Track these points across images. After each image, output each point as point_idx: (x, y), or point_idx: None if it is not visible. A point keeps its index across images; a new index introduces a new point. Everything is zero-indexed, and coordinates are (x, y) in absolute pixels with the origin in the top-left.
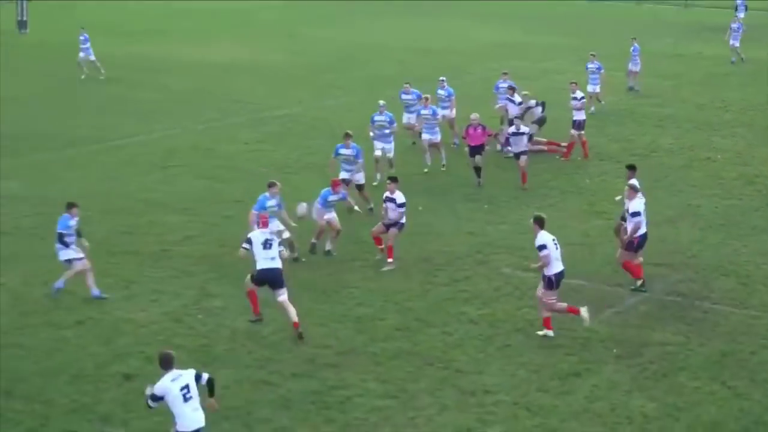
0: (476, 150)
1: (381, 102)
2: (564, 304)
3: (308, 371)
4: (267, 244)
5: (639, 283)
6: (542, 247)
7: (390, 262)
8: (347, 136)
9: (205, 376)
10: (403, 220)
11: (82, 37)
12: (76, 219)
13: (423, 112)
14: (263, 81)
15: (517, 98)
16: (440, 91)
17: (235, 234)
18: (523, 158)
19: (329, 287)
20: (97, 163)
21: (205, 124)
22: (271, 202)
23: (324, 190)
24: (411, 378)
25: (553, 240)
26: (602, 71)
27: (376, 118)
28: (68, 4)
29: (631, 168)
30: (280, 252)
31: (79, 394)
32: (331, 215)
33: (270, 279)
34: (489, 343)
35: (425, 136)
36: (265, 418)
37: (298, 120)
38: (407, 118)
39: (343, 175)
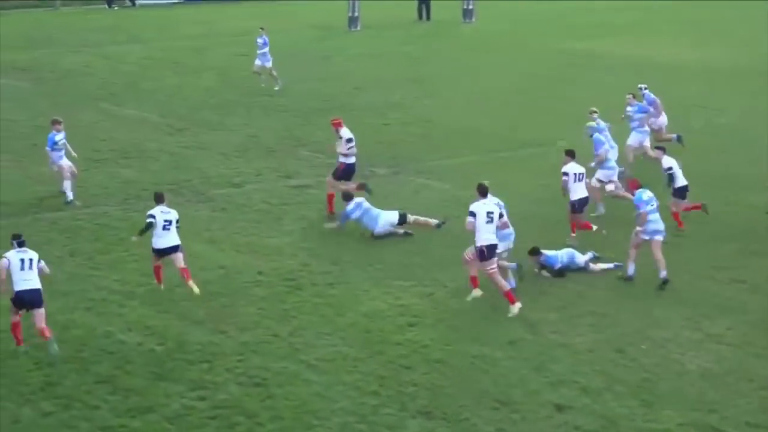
0: None
1: None
2: (505, 284)
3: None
4: None
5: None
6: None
7: None
8: None
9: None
10: None
11: (260, 40)
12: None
13: None
14: (712, 84)
15: None
16: None
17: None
18: None
19: None
20: (529, 167)
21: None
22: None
23: None
24: None
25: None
26: None
27: None
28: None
29: None
30: None
31: (504, 422)
32: None
33: None
34: None
35: None
36: None
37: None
38: None
39: None
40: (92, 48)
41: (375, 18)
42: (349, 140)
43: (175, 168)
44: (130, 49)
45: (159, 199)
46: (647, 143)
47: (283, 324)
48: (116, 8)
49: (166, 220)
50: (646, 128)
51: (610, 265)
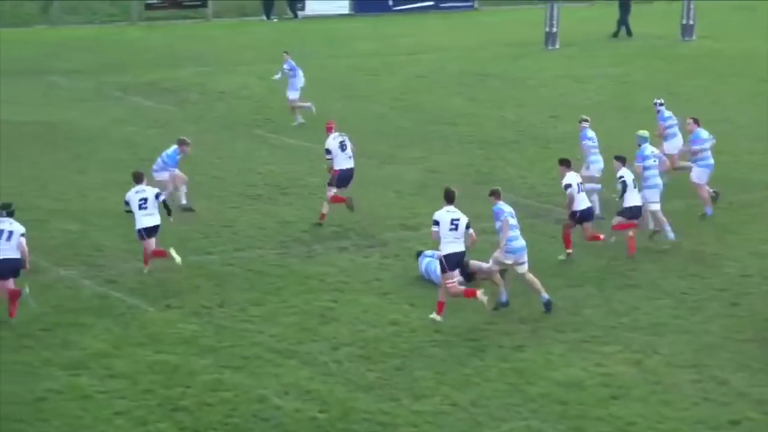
0: None
1: None
2: (460, 288)
3: None
4: None
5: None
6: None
7: None
8: None
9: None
10: None
11: (286, 66)
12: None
13: None
14: None
15: None
16: None
17: None
18: None
19: None
20: None
21: None
22: None
23: None
24: None
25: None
26: None
27: None
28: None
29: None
30: None
31: None
32: None
33: None
34: None
35: None
36: None
37: None
38: None
39: None
40: (247, 66)
41: (574, 34)
42: (327, 151)
43: (341, 207)
44: None
45: (137, 179)
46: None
47: (464, 392)
48: (275, 20)
49: (141, 199)
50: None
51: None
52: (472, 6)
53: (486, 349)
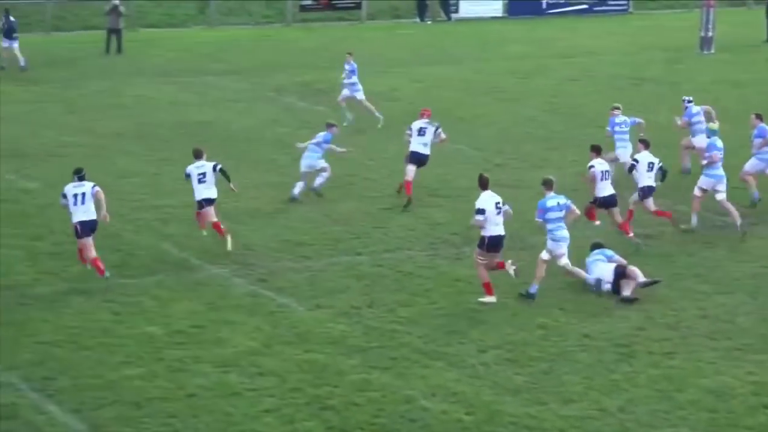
0: None
1: None
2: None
3: None
4: None
5: None
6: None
7: None
8: None
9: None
10: None
11: (348, 67)
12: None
13: None
14: None
15: None
16: None
17: None
18: None
19: None
20: None
21: None
22: None
23: None
24: None
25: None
26: None
27: None
28: None
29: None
30: None
31: None
32: None
33: None
34: None
35: None
36: None
37: None
38: None
39: None
40: (400, 68)
41: (730, 38)
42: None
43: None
44: (444, 71)
45: (197, 155)
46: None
47: (613, 397)
48: (429, 22)
49: (200, 173)
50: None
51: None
52: (626, 9)
53: (635, 355)
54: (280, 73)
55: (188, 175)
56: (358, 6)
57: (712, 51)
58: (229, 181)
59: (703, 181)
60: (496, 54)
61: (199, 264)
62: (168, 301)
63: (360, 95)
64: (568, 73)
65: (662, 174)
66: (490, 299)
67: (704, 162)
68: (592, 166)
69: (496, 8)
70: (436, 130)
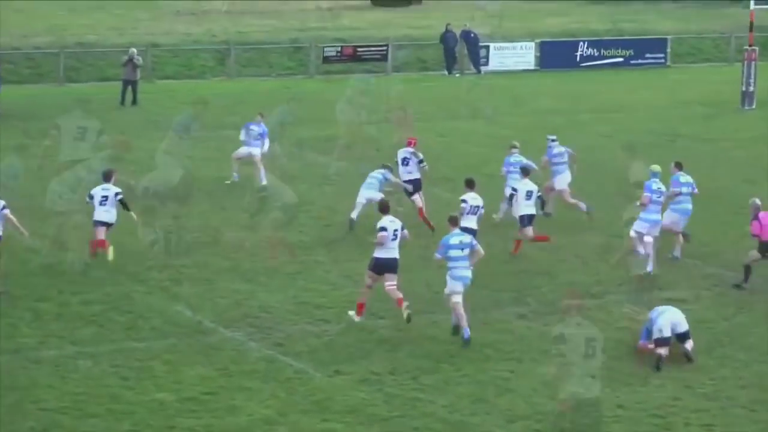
0: None
1: None
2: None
3: None
4: None
5: None
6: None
7: None
8: None
9: None
10: None
11: (257, 127)
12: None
13: None
14: None
15: None
16: None
17: None
18: None
19: None
20: None
21: None
22: None
23: None
24: None
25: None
26: None
27: None
28: None
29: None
30: None
31: None
32: None
33: None
34: None
35: None
36: None
37: None
38: None
39: None
40: (425, 123)
41: None
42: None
43: (521, 271)
44: (472, 126)
45: (106, 178)
46: None
47: None
48: (458, 75)
49: (103, 196)
50: None
51: None
52: (664, 63)
53: (671, 427)
54: (302, 126)
55: (91, 197)
56: (384, 57)
57: (753, 106)
58: (129, 211)
59: (637, 225)
60: (526, 108)
61: (213, 327)
62: (179, 366)
63: (258, 154)
64: (601, 129)
65: (541, 203)
66: (356, 318)
67: (638, 203)
68: (464, 200)
69: (528, 61)
70: (420, 162)
